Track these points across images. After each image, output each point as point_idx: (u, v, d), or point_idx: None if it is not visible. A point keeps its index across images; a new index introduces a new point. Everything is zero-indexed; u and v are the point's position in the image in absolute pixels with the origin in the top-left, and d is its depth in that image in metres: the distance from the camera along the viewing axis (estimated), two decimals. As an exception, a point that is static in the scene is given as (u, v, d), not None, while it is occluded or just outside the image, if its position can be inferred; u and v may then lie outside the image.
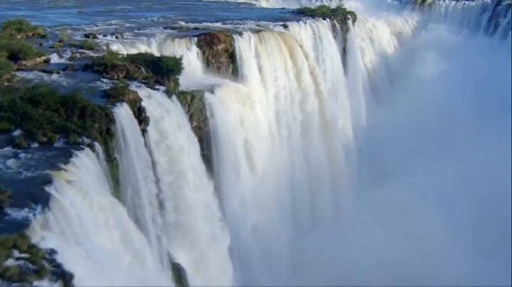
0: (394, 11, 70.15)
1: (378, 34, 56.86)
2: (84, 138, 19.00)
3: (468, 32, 65.70)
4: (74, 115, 19.76)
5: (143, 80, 25.49)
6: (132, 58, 27.39)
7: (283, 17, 44.34)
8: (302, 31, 41.21)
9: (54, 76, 25.20)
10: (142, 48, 32.86)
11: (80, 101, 19.96)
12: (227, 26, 39.39)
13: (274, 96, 36.99)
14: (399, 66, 56.41)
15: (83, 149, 18.34)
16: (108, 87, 22.89)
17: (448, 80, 53.29)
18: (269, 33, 37.75)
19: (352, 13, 48.79)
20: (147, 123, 22.96)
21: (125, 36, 34.90)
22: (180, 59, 27.60)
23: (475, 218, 39.82)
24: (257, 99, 35.34)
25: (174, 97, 25.51)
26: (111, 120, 20.09)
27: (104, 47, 31.32)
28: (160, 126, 23.52)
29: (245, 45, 35.68)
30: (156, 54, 32.74)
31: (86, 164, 17.75)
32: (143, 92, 24.02)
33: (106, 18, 42.91)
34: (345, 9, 48.96)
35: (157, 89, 24.73)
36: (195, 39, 34.28)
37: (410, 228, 39.48)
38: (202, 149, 30.04)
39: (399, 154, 45.37)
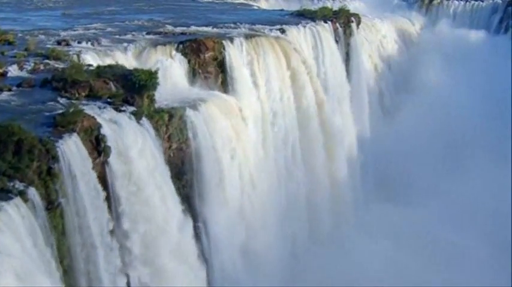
0: (400, 12, 65.13)
1: (383, 37, 52.10)
2: (17, 182, 14.73)
3: (479, 33, 60.81)
4: (7, 151, 15.46)
5: (109, 99, 21.18)
6: (99, 72, 23.04)
7: (281, 20, 39.75)
8: (301, 36, 36.64)
9: (4, 94, 20.94)
10: (118, 57, 28.58)
11: (16, 133, 15.66)
12: (218, 31, 34.93)
13: (269, 108, 32.51)
14: (406, 72, 51.55)
15: (11, 198, 14.08)
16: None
17: (459, 86, 48.52)
18: (264, 39, 33.25)
19: (356, 15, 44.01)
20: (107, 155, 18.65)
21: (102, 43, 30.58)
22: (156, 72, 23.19)
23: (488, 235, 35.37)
24: (250, 113, 30.98)
25: (144, 120, 21.15)
26: (53, 157, 15.76)
27: (74, 57, 27.09)
28: (125, 157, 19.19)
29: (236, 53, 31.26)
30: (134, 64, 28.57)
31: (12, 221, 13.45)
32: (106, 115, 19.70)
33: (89, 21, 38.61)
34: (348, 10, 44.14)
35: (124, 111, 20.39)
36: (180, 46, 29.90)
37: (417, 248, 35.16)
38: (184, 173, 25.99)
39: (406, 168, 40.79)
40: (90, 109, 19.64)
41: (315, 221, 34.54)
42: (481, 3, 65.43)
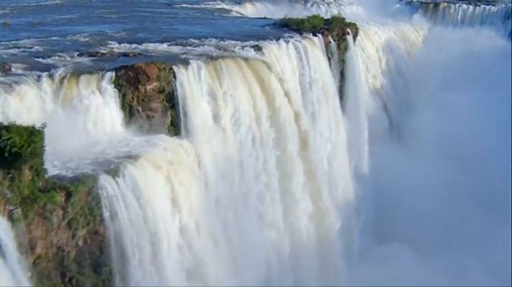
0: (402, 17, 56.06)
1: (384, 48, 43.21)
2: None
3: (490, 41, 51.85)
4: None
5: None
6: (-46, 130, 14.35)
7: (260, 33, 30.73)
8: (283, 55, 27.57)
9: None
10: (28, 93, 19.89)
11: None
12: (175, 49, 26.06)
13: (239, 155, 23.71)
14: (414, 87, 42.49)
15: None
16: None
17: (478, 105, 39.42)
18: (231, 61, 24.30)
19: (353, 25, 34.76)
20: None
21: (12, 71, 21.86)
22: (39, 131, 14.48)
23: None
24: (211, 162, 22.25)
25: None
26: None
27: None
28: None
29: (192, 82, 22.44)
30: (49, 102, 20.11)
31: None
32: None
33: (25, 35, 29.91)
34: (343, 19, 34.92)
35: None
36: (112, 75, 21.12)
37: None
38: (104, 263, 17.34)
39: (420, 213, 31.51)
40: None
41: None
42: (493, 7, 56.32)
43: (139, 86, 21.08)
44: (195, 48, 26.00)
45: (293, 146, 25.01)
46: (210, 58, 23.95)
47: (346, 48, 33.02)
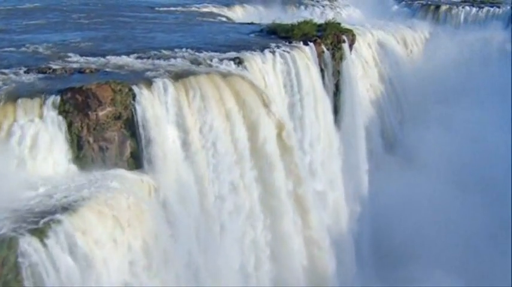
0: (401, 20, 52.01)
1: (383, 55, 39.25)
2: None
3: (495, 45, 47.95)
4: None
5: None
6: None
7: (243, 42, 26.63)
8: (268, 68, 23.51)
9: None
10: None
11: None
12: (143, 63, 22.02)
13: (213, 188, 19.75)
14: (415, 101, 38.53)
15: None
16: None
17: (484, 117, 35.52)
18: (205, 78, 20.30)
19: (350, 31, 30.74)
20: None
21: None
22: None
23: None
24: (178, 200, 18.32)
25: None
26: None
27: None
28: None
29: (156, 105, 18.42)
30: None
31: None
32: None
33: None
34: (338, 25, 30.90)
35: None
36: (57, 99, 17.15)
37: None
38: None
39: (425, 242, 27.66)
40: None
41: None
42: (497, 9, 52.43)
43: (90, 113, 17.10)
44: (166, 62, 21.93)
45: (280, 182, 20.99)
46: (180, 75, 19.96)
47: (341, 58, 28.98)
